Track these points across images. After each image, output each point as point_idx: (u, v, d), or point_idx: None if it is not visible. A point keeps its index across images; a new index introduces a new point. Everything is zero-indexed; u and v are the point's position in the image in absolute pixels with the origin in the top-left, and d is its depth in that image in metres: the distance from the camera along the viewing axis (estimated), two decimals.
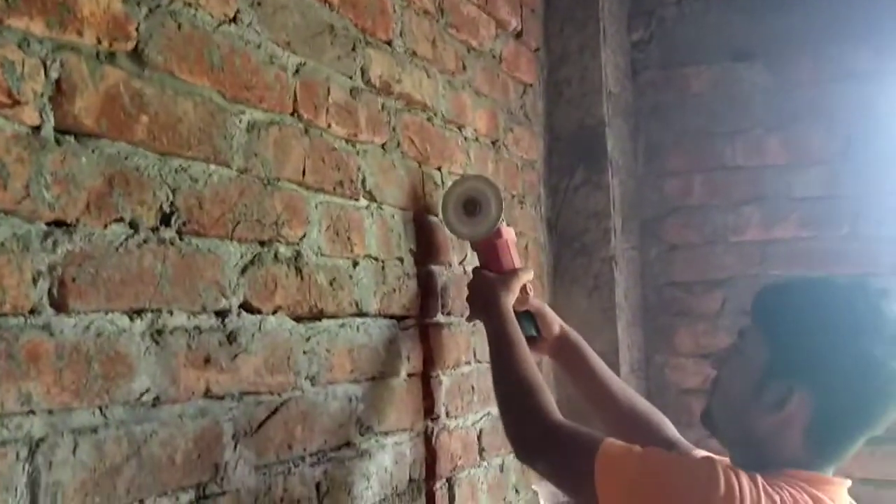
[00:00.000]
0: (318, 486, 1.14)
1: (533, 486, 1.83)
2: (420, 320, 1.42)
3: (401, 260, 1.37)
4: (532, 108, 2.00)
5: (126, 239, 0.88)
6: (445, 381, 1.49)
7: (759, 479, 0.99)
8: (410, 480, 1.36)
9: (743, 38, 2.18)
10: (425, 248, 1.45)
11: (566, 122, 2.07)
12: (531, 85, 2.00)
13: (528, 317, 1.44)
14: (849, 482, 1.07)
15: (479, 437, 1.60)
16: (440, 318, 1.49)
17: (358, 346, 1.25)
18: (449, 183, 1.50)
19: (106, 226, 0.86)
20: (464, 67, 1.65)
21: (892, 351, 1.02)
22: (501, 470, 1.68)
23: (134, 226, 0.89)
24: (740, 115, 2.18)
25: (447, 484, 1.47)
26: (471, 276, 1.44)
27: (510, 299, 1.37)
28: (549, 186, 2.08)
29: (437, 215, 1.49)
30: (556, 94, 2.08)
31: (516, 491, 1.75)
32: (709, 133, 2.21)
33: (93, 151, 0.85)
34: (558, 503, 1.86)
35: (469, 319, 1.46)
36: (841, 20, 2.08)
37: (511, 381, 1.25)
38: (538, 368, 1.29)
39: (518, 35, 1.93)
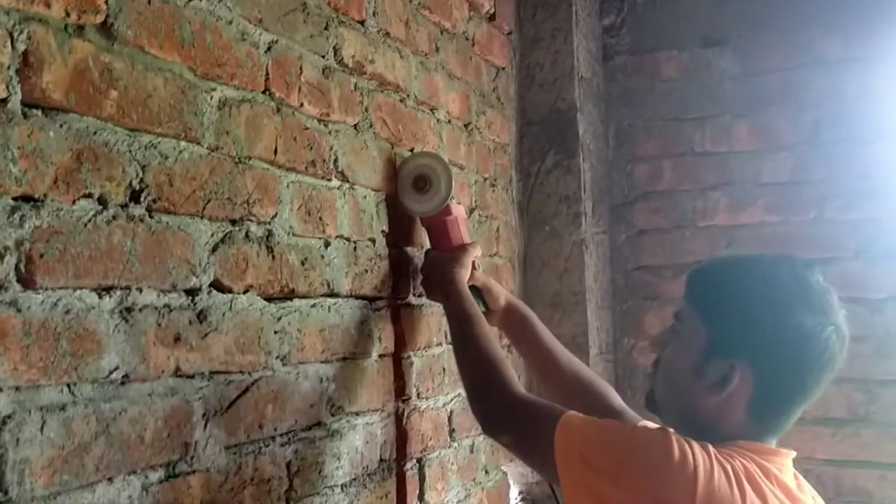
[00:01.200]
0: (288, 465, 1.14)
1: (502, 467, 1.84)
2: (392, 301, 1.42)
3: (373, 241, 1.37)
4: (504, 92, 2.00)
5: (95, 215, 0.87)
6: (417, 362, 1.49)
7: (711, 449, 1.02)
8: (381, 461, 1.37)
9: (713, 25, 2.19)
10: (397, 230, 1.45)
11: (538, 106, 2.07)
12: (504, 68, 2.00)
13: (475, 292, 1.46)
14: (793, 453, 1.11)
15: (449, 419, 1.60)
16: (412, 299, 1.49)
17: (329, 327, 1.24)
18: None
19: (74, 201, 0.84)
20: (437, 49, 1.64)
21: (823, 321, 1.06)
22: (471, 451, 1.69)
23: (103, 202, 0.88)
24: (709, 101, 2.20)
25: (417, 464, 1.47)
26: (423, 257, 1.47)
27: (465, 276, 1.41)
28: (520, 170, 2.08)
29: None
30: (528, 78, 2.08)
31: (486, 472, 1.76)
32: (678, 119, 2.23)
33: (61, 126, 0.83)
34: (527, 482, 1.88)
35: (427, 299, 1.48)
36: (809, 6, 2.10)
37: (473, 357, 1.28)
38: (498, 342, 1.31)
39: (491, 18, 1.93)
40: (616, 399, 1.44)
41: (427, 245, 1.50)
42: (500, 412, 1.21)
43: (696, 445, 1.02)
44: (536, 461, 1.18)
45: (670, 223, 2.23)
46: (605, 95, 2.30)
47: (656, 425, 1.23)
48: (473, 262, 1.46)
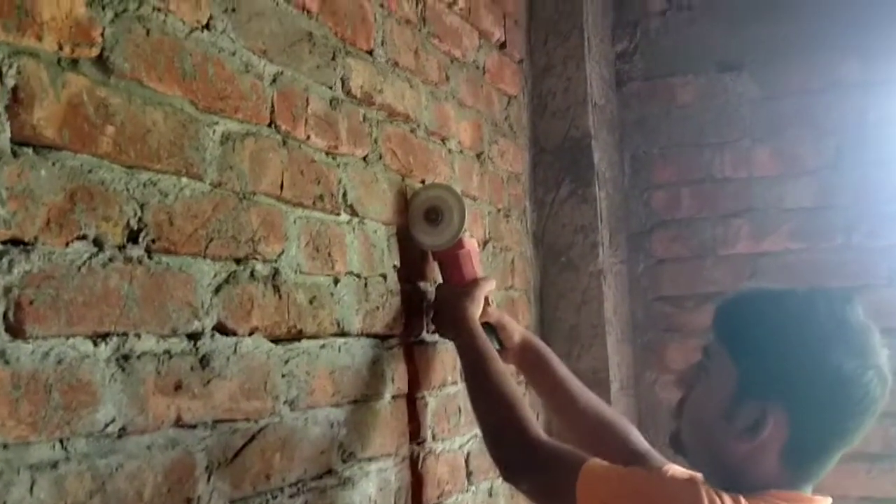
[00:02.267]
0: None
1: None
2: (405, 339, 1.37)
3: (384, 276, 1.32)
4: (517, 121, 1.96)
5: (90, 258, 0.82)
6: (431, 402, 1.43)
7: (743, 501, 0.96)
8: None
9: (728, 49, 2.15)
10: (409, 264, 1.40)
11: (551, 135, 2.03)
12: (515, 97, 1.96)
13: (489, 329, 1.41)
14: (829, 500, 1.03)
15: (466, 461, 1.54)
16: (426, 336, 1.43)
17: (340, 368, 1.19)
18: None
19: (68, 244, 0.80)
20: (447, 78, 1.60)
21: (863, 363, 0.99)
22: (490, 495, 1.62)
23: (98, 244, 0.83)
24: (727, 126, 2.15)
25: None
26: (434, 292, 1.42)
27: (477, 311, 1.35)
28: (534, 200, 2.03)
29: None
30: (540, 106, 2.04)
31: None
32: (696, 145, 2.18)
33: (53, 164, 0.79)
34: None
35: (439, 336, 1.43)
36: (827, 29, 2.05)
37: (488, 397, 1.23)
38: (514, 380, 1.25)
39: (502, 46, 1.90)
40: (639, 440, 1.36)
41: (439, 279, 1.45)
42: (518, 458, 1.15)
43: (727, 498, 0.95)
44: None
45: (690, 252, 2.16)
46: (619, 122, 2.25)
47: (683, 470, 1.17)
48: (487, 298, 1.40)
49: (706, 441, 1.07)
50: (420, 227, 1.39)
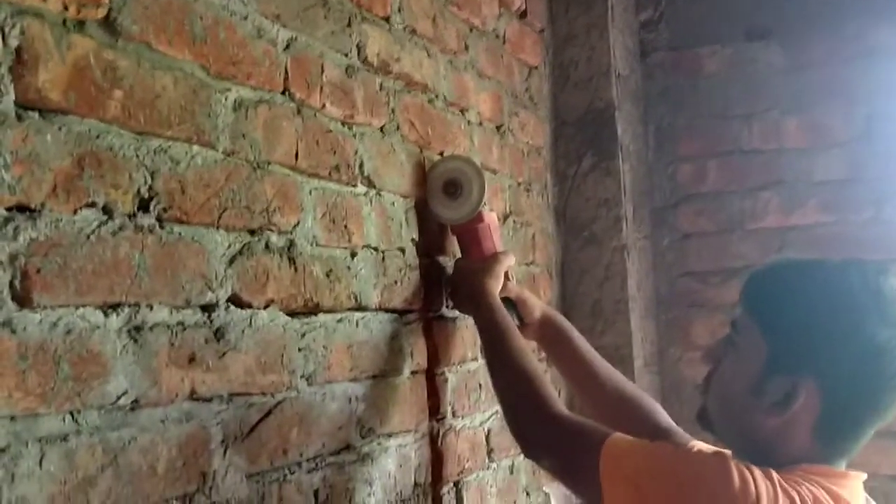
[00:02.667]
0: (316, 493, 1.05)
1: (544, 489, 1.74)
2: (424, 314, 1.34)
3: (402, 250, 1.29)
4: (537, 92, 1.91)
5: (99, 226, 0.79)
6: (451, 378, 1.41)
7: (775, 476, 0.92)
8: (416, 485, 1.28)
9: (757, 17, 2.09)
10: (428, 238, 1.37)
11: (573, 106, 1.98)
12: (536, 67, 1.91)
13: (509, 304, 1.38)
14: (864, 475, 1.00)
15: (487, 438, 1.51)
16: (445, 311, 1.40)
17: (357, 343, 1.16)
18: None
19: (76, 211, 0.77)
20: (466, 48, 1.56)
21: None
22: (511, 472, 1.59)
23: (108, 211, 0.80)
24: (756, 97, 2.09)
25: (454, 488, 1.38)
26: (452, 266, 1.39)
27: (496, 287, 1.32)
28: (556, 173, 1.99)
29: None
30: (562, 77, 2.00)
31: (527, 494, 1.67)
32: (723, 116, 2.12)
33: (59, 129, 0.76)
34: None
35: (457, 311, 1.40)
36: None
37: (508, 373, 1.20)
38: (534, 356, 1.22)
39: (522, 15, 1.85)
40: (664, 417, 1.33)
41: (458, 254, 1.42)
42: (540, 434, 1.12)
43: (757, 472, 0.92)
44: (580, 487, 1.09)
45: (716, 226, 2.12)
46: (643, 94, 2.20)
47: (709, 446, 1.13)
48: (507, 273, 1.37)
49: (735, 417, 1.04)
50: (438, 200, 1.36)
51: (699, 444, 1.18)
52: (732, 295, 1.06)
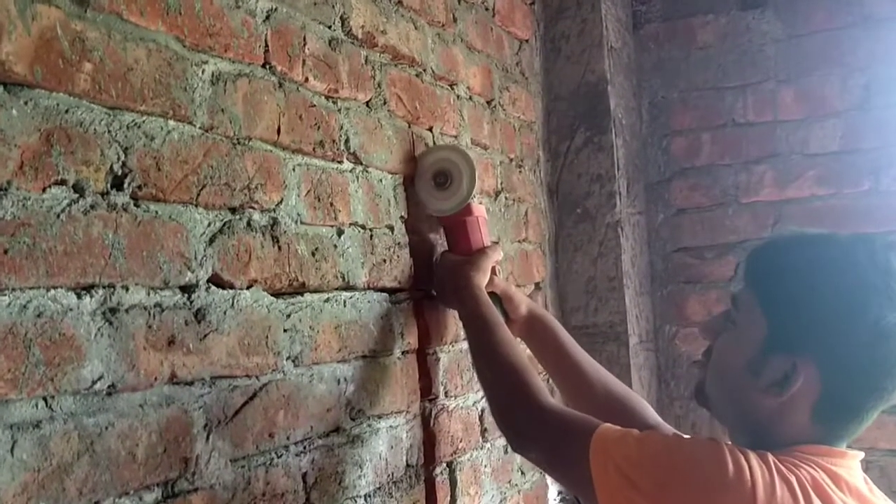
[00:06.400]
0: (304, 477, 1.03)
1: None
2: (414, 293, 1.31)
3: (391, 228, 1.26)
4: (529, 66, 1.88)
5: (69, 204, 0.76)
6: (443, 358, 1.38)
7: (771, 459, 0.90)
8: (408, 466, 1.26)
9: None
10: (418, 215, 1.33)
11: (565, 80, 1.94)
12: (527, 40, 1.87)
13: (495, 299, 1.34)
14: (861, 454, 0.97)
15: (480, 418, 1.49)
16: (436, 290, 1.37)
17: (346, 323, 1.13)
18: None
19: (44, 189, 0.74)
20: (454, 20, 1.52)
21: None
22: (506, 451, 1.57)
23: (79, 189, 0.77)
24: (750, 68, 2.05)
25: (448, 469, 1.36)
26: (438, 260, 1.36)
27: (483, 281, 1.29)
28: (548, 149, 1.96)
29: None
30: (553, 51, 1.96)
31: (521, 473, 1.65)
32: (717, 88, 2.09)
33: (25, 103, 0.73)
34: None
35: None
36: None
37: (495, 365, 1.16)
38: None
39: None
40: (651, 414, 1.29)
41: (446, 248, 1.38)
42: (527, 425, 1.09)
43: (752, 457, 0.89)
44: (570, 479, 1.06)
45: (711, 201, 2.09)
46: (636, 66, 2.16)
47: (700, 439, 1.10)
48: (493, 268, 1.34)
49: (732, 395, 1.01)
50: (427, 191, 1.32)
51: (684, 437, 1.15)
52: (727, 270, 1.03)
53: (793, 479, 0.88)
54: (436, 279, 1.35)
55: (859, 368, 0.93)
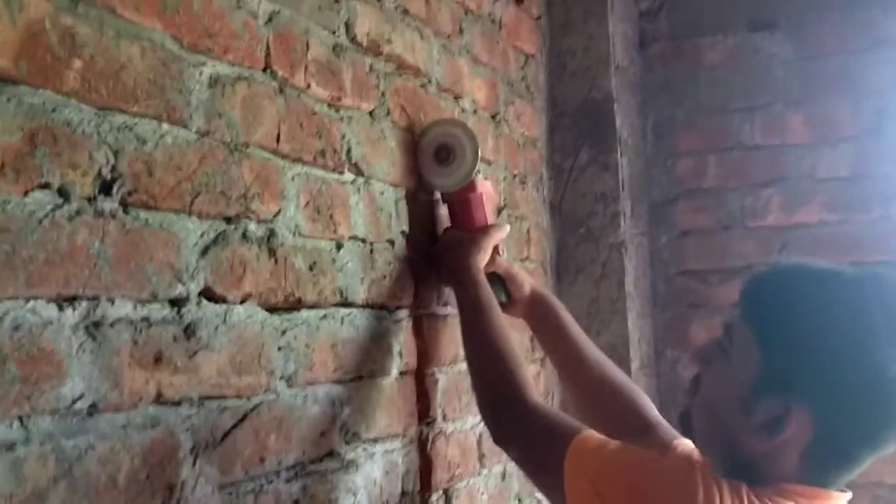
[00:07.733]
0: None
1: (537, 495, 1.67)
2: (413, 311, 1.26)
3: (391, 243, 1.21)
4: (534, 81, 1.84)
5: (53, 210, 0.71)
6: (442, 379, 1.33)
7: (745, 491, 0.86)
8: (403, 493, 1.20)
9: (760, 6, 2.02)
10: (420, 230, 1.29)
11: (570, 97, 1.91)
12: (533, 55, 1.84)
13: (497, 279, 1.31)
14: (849, 494, 0.92)
15: (478, 443, 1.44)
16: (436, 308, 1.33)
17: (342, 341, 1.08)
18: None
19: (27, 193, 0.69)
20: (461, 31, 1.49)
21: None
22: (503, 478, 1.52)
23: (64, 194, 0.72)
24: (759, 90, 2.02)
25: (444, 496, 1.31)
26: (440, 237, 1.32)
27: (482, 260, 1.25)
28: (552, 166, 1.92)
29: (432, 194, 1.34)
30: (559, 66, 1.92)
31: (518, 500, 1.59)
32: (724, 109, 2.06)
33: (9, 100, 0.68)
34: None
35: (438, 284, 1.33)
36: None
37: (484, 352, 1.15)
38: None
39: (519, 0, 1.77)
40: (651, 410, 1.25)
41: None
42: (510, 421, 1.08)
43: (725, 489, 0.86)
44: (542, 481, 1.05)
45: (716, 224, 2.05)
46: (642, 85, 2.12)
47: (692, 447, 1.06)
48: (497, 247, 1.30)
49: (718, 431, 0.95)
50: (429, 167, 1.28)
51: (683, 445, 1.11)
52: (732, 295, 0.98)
53: None
54: (436, 255, 1.30)
55: (857, 418, 0.87)
